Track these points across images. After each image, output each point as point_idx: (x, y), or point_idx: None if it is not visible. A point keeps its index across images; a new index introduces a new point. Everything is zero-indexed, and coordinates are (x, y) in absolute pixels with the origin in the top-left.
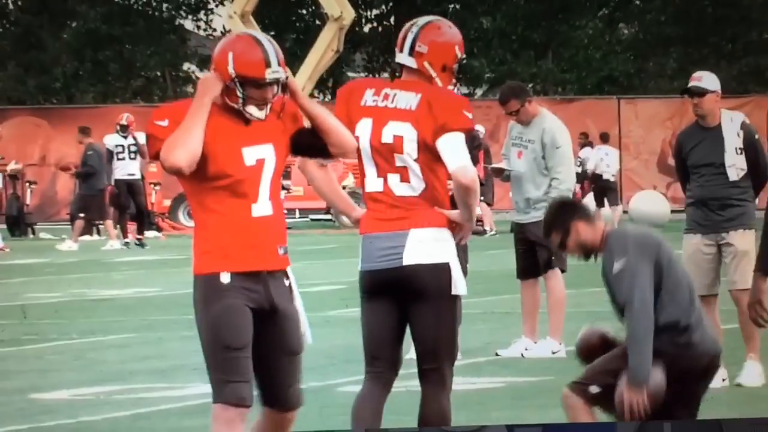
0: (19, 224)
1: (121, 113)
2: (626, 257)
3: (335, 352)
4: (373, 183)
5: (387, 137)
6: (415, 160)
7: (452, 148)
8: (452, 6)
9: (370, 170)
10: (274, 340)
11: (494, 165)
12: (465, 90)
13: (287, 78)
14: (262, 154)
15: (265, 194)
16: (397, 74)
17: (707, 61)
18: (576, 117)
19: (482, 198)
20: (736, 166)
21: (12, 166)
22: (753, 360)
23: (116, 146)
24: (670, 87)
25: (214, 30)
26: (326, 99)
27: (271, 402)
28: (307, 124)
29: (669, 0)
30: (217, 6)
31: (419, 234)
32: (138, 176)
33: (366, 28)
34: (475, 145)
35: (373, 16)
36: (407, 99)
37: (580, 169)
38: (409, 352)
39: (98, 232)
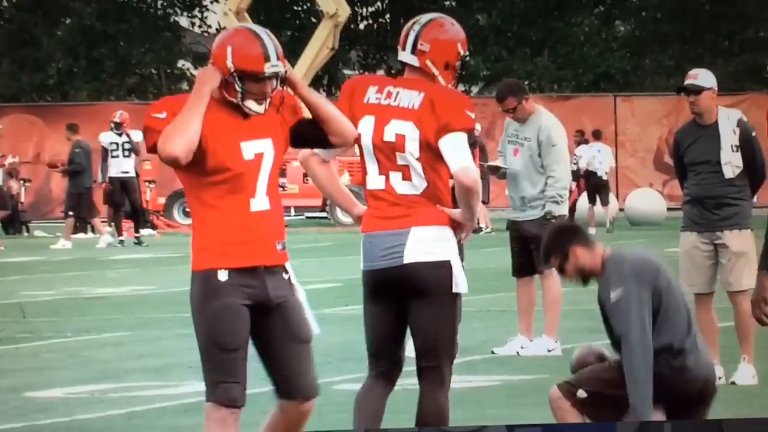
0: (14, 222)
1: (116, 110)
2: (623, 287)
3: (331, 350)
4: (375, 180)
5: (389, 135)
6: (417, 159)
7: (454, 149)
8: (448, 3)
9: (372, 168)
10: (281, 331)
11: (490, 163)
12: (461, 87)
13: (286, 72)
14: (260, 149)
15: (263, 189)
16: (392, 72)
17: (704, 58)
18: (572, 114)
19: None
20: (731, 163)
21: (10, 160)
22: (746, 362)
23: (110, 143)
24: (666, 84)
25: (209, 27)
26: None
27: (286, 393)
28: (307, 114)
29: None
30: (212, 3)
31: (420, 232)
32: (132, 174)
33: (361, 26)
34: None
35: (368, 14)
36: (410, 97)
37: (575, 167)
38: (406, 350)
39: (93, 230)
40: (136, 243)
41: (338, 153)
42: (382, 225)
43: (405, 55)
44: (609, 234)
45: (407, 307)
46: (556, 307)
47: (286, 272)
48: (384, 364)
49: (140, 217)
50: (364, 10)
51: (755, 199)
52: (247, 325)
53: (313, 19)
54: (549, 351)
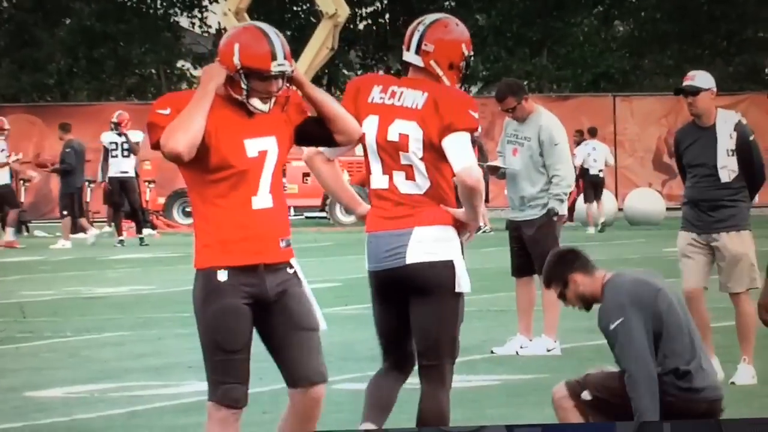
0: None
1: (116, 111)
2: (622, 319)
3: (331, 349)
4: (379, 180)
5: (393, 135)
6: (420, 159)
7: (458, 149)
8: (447, 3)
9: (376, 167)
10: (282, 321)
11: (489, 163)
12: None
13: (293, 71)
14: (264, 146)
15: (266, 187)
16: (391, 72)
17: (702, 58)
18: (571, 114)
19: None
20: (727, 168)
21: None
22: (745, 363)
23: (110, 143)
24: (665, 84)
25: (209, 27)
26: None
27: (292, 381)
28: (312, 112)
29: None
30: (211, 3)
31: (423, 232)
32: (131, 174)
33: (361, 26)
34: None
35: (367, 14)
36: (414, 97)
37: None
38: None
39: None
40: (141, 244)
41: (343, 152)
42: (386, 225)
43: (409, 56)
44: (607, 234)
45: (410, 306)
46: (555, 307)
47: (291, 267)
48: (395, 358)
49: (140, 218)
50: (363, 10)
51: (756, 199)
52: (247, 325)
53: (313, 19)
54: (548, 351)
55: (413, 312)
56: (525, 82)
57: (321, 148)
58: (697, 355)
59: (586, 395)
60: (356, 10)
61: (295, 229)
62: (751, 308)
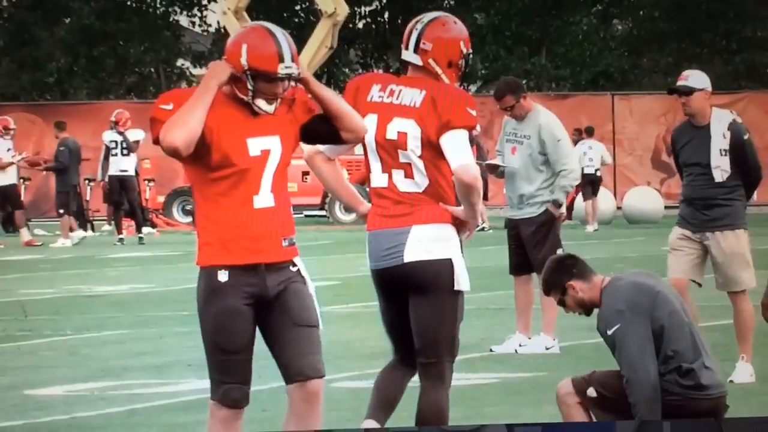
0: (13, 220)
1: (115, 109)
2: (620, 325)
3: (329, 348)
4: (378, 178)
5: (391, 133)
6: (419, 157)
7: (455, 146)
8: (446, 2)
9: (376, 166)
10: (280, 318)
11: (488, 161)
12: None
13: (300, 73)
14: (267, 146)
15: (267, 186)
16: (391, 70)
17: (701, 57)
18: (570, 113)
19: None
20: (720, 167)
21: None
22: (744, 361)
23: (111, 142)
24: (664, 83)
25: (209, 26)
26: None
27: (288, 376)
28: (318, 111)
29: None
30: (210, 2)
31: (420, 231)
32: (131, 172)
33: (360, 24)
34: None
35: (366, 13)
36: (412, 96)
37: None
38: None
39: (92, 228)
40: (140, 243)
41: (344, 151)
42: (385, 223)
43: (408, 54)
44: (606, 232)
45: (410, 303)
46: (553, 306)
47: (294, 265)
48: (402, 353)
49: (139, 217)
50: (363, 9)
51: (755, 197)
52: (248, 326)
53: (312, 18)
54: (547, 349)
55: (412, 310)
56: (524, 81)
57: (321, 148)
58: (700, 354)
59: (591, 392)
60: (355, 8)
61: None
62: (749, 306)
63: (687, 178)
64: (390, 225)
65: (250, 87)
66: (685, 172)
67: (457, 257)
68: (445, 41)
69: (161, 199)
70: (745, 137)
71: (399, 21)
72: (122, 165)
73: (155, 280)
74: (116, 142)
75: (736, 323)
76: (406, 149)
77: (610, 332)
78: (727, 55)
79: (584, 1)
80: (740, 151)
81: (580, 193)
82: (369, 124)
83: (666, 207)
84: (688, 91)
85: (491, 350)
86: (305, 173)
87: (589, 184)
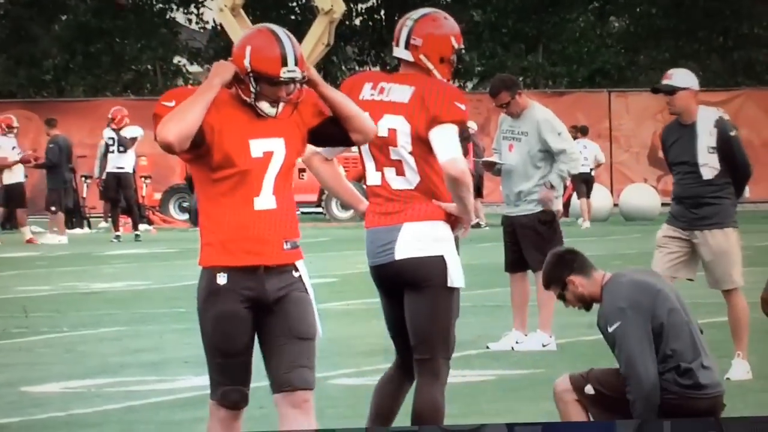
0: (10, 218)
1: (112, 107)
2: (620, 322)
3: (325, 345)
4: (373, 177)
5: (382, 131)
6: (409, 153)
7: (443, 140)
8: None
9: (369, 164)
10: (277, 327)
11: (485, 159)
12: (455, 83)
13: (305, 77)
14: (270, 147)
15: (269, 188)
16: (388, 67)
17: (698, 54)
18: (567, 110)
19: None
20: (708, 165)
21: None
22: (740, 358)
23: (109, 139)
24: (660, 80)
25: (206, 23)
26: None
27: (277, 385)
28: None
29: None
30: None
31: (412, 228)
32: (128, 170)
33: (356, 21)
34: (463, 137)
35: (363, 10)
36: (401, 92)
37: None
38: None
39: (89, 225)
40: (135, 240)
41: (341, 151)
42: (379, 221)
43: (399, 51)
44: (603, 229)
45: (404, 300)
46: (550, 302)
47: (296, 270)
48: (402, 355)
49: (136, 214)
50: (359, 6)
51: (747, 194)
52: (246, 330)
53: (309, 15)
54: (544, 346)
55: (406, 306)
56: (520, 78)
57: (318, 149)
58: (699, 353)
59: (589, 389)
60: (352, 5)
61: None
62: (743, 303)
63: (676, 177)
64: (383, 222)
65: (252, 89)
66: (674, 170)
67: (450, 254)
68: (436, 37)
69: (158, 196)
70: (732, 134)
71: (395, 18)
72: (119, 162)
73: (152, 277)
74: (113, 139)
75: (731, 320)
76: (396, 146)
77: (610, 329)
78: (724, 52)
79: None
80: (728, 148)
81: (576, 192)
82: None
83: (662, 204)
84: (671, 90)
85: (488, 347)
86: (301, 170)
87: (583, 183)
